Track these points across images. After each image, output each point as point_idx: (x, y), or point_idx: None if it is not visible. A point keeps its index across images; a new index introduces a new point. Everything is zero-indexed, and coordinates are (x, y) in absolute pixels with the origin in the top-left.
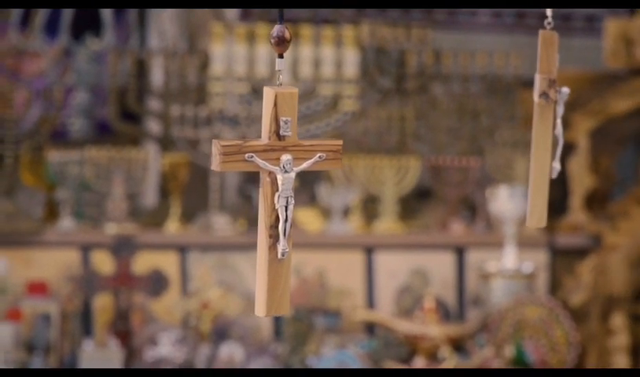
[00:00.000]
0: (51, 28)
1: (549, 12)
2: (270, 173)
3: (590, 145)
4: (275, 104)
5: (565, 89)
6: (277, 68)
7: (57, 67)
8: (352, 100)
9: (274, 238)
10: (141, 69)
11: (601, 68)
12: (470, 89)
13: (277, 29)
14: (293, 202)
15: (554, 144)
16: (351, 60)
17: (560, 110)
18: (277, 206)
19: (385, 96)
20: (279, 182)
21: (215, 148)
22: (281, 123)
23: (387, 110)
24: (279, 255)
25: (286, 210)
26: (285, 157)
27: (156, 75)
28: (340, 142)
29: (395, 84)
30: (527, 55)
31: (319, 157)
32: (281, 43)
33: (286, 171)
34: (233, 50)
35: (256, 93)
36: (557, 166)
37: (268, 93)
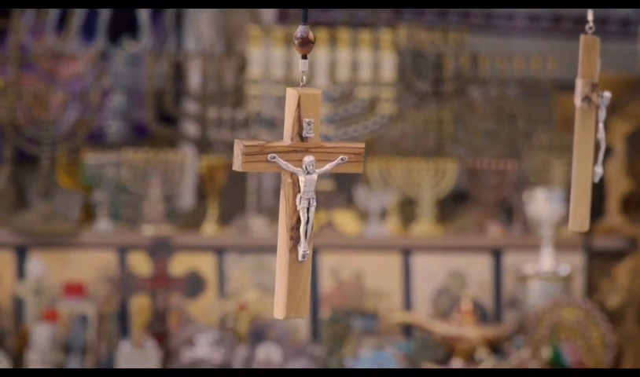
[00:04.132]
0: (87, 31)
1: (590, 16)
2: (292, 174)
3: (627, 149)
4: (298, 106)
5: (607, 94)
6: (301, 69)
7: (93, 70)
8: (390, 103)
9: (294, 240)
10: (178, 72)
11: (637, 72)
12: (507, 92)
13: (300, 30)
14: (315, 204)
15: (596, 148)
16: (389, 64)
17: (603, 114)
18: (298, 208)
19: (422, 100)
20: (301, 184)
21: (238, 148)
22: (304, 125)
23: (424, 113)
24: (300, 257)
25: (307, 212)
26: (308, 158)
27: (193, 78)
28: (363, 145)
29: (432, 87)
30: (563, 58)
31: (341, 159)
32: (305, 44)
33: (308, 173)
34: (270, 53)
35: None
36: (599, 170)
37: (291, 94)
